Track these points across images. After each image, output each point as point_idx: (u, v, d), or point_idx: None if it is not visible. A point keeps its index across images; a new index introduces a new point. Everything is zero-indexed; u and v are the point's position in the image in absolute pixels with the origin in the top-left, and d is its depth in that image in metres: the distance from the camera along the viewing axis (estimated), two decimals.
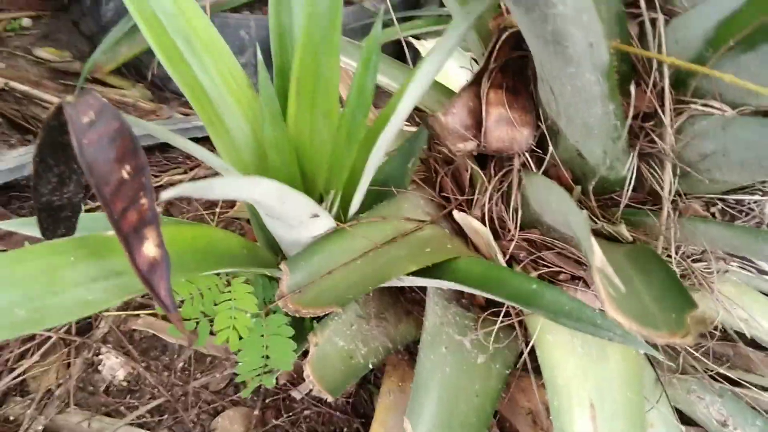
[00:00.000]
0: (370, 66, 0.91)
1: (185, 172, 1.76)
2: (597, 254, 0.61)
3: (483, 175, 1.03)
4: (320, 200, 1.01)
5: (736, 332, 1.07)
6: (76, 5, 2.58)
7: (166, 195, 0.56)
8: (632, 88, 0.82)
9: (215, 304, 0.90)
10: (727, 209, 0.95)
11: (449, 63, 1.38)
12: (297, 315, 0.83)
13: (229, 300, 0.91)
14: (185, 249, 0.84)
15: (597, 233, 0.93)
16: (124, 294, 0.72)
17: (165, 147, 1.90)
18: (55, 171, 0.75)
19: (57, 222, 0.81)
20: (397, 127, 0.86)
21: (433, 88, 1.21)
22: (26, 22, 2.55)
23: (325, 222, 0.91)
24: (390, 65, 1.27)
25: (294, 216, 0.85)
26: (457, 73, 1.39)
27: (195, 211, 1.62)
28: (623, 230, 0.90)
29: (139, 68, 2.43)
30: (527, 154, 0.97)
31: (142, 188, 0.69)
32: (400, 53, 2.50)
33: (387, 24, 2.53)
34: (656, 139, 0.86)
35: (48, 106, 2.10)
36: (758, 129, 0.75)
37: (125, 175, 0.68)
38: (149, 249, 0.68)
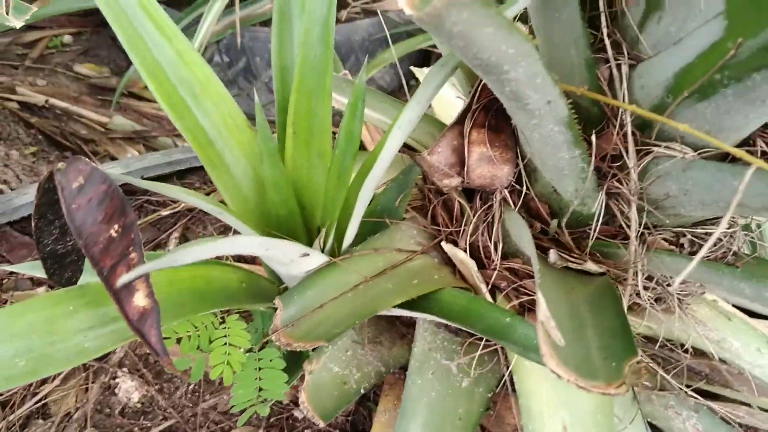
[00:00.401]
0: (357, 113, 0.92)
1: None
2: (542, 309, 0.62)
3: (469, 208, 1.04)
4: (318, 232, 1.03)
5: None
6: None
7: (123, 280, 0.58)
8: (593, 138, 0.82)
9: (210, 341, 0.92)
10: (696, 240, 0.95)
11: (446, 91, 1.39)
12: (288, 348, 0.84)
13: (224, 336, 0.93)
14: (184, 290, 0.86)
15: (568, 267, 0.94)
16: (120, 340, 0.75)
17: (182, 173, 1.93)
18: (56, 224, 0.78)
19: (63, 267, 0.83)
20: (381, 172, 0.87)
21: (424, 122, 1.22)
22: (67, 38, 2.61)
23: (317, 258, 0.93)
24: (382, 101, 1.28)
25: (284, 257, 0.87)
26: (453, 101, 1.40)
27: (210, 234, 1.65)
28: (590, 266, 0.91)
29: None
30: (507, 191, 0.97)
31: (131, 244, 0.71)
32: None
33: (412, 33, 2.53)
34: (618, 182, 0.86)
35: (86, 122, 2.14)
36: (714, 172, 0.76)
37: (113, 233, 0.70)
38: (139, 300, 0.70)
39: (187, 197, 0.78)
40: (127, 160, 1.76)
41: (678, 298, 1.04)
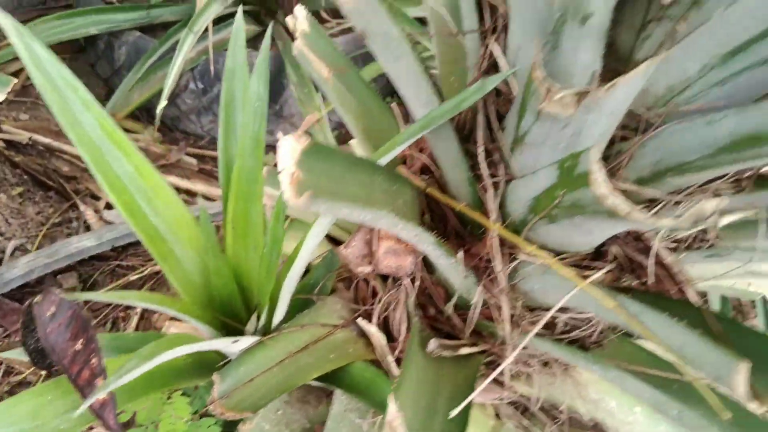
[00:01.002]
0: (280, 220, 1.22)
1: None
2: (390, 412, 0.93)
3: (383, 288, 1.35)
4: (256, 308, 1.34)
5: None
6: (91, 49, 2.92)
7: (97, 399, 0.90)
8: (460, 254, 1.13)
9: (159, 414, 1.25)
10: (569, 321, 1.24)
11: None
12: (223, 417, 1.16)
13: (170, 409, 1.26)
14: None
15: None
16: (87, 422, 1.07)
17: None
18: (36, 331, 1.10)
19: (44, 357, 1.15)
20: (300, 269, 1.18)
21: None
22: None
23: (247, 341, 1.24)
24: None
25: (218, 346, 1.19)
26: None
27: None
28: (464, 351, 1.22)
29: (150, 111, 2.73)
30: (408, 279, 1.28)
31: (92, 352, 1.03)
32: None
33: None
34: (491, 281, 1.17)
35: (68, 158, 2.45)
36: (562, 279, 1.05)
37: (79, 346, 1.02)
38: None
39: (140, 303, 1.10)
40: (100, 231, 2.07)
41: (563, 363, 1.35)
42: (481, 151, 1.13)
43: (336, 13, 2.84)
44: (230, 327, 1.32)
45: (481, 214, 1.14)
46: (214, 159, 2.67)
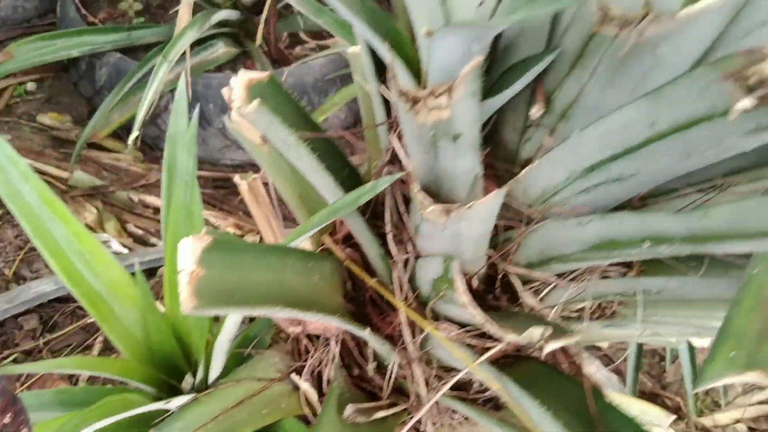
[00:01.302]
0: None
1: None
2: None
3: (313, 346, 1.45)
4: (196, 363, 1.45)
5: None
6: (74, 68, 3.04)
7: None
8: (368, 330, 1.23)
9: None
10: (482, 384, 1.34)
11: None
12: None
13: None
14: None
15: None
16: None
17: None
18: None
19: None
20: (229, 336, 1.29)
21: None
22: (31, 86, 3.01)
23: (180, 400, 1.35)
24: None
25: (152, 408, 1.30)
26: None
27: None
28: (379, 414, 1.32)
29: (131, 130, 2.87)
30: (334, 340, 1.39)
31: (21, 423, 1.15)
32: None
33: None
34: (404, 350, 1.27)
35: (49, 180, 2.57)
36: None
37: (7, 420, 1.14)
38: None
39: (80, 370, 1.21)
40: (57, 276, 2.18)
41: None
42: (389, 231, 1.21)
43: (315, 35, 2.92)
44: (170, 384, 1.43)
45: (392, 288, 1.23)
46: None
